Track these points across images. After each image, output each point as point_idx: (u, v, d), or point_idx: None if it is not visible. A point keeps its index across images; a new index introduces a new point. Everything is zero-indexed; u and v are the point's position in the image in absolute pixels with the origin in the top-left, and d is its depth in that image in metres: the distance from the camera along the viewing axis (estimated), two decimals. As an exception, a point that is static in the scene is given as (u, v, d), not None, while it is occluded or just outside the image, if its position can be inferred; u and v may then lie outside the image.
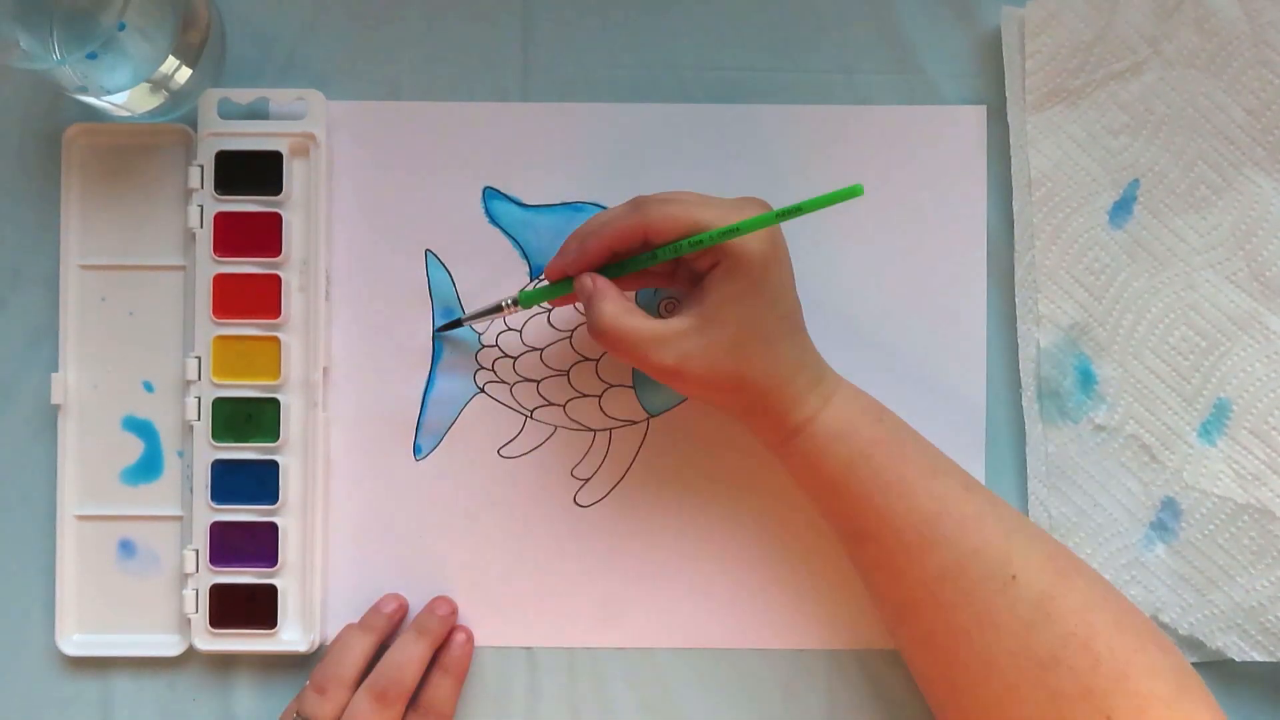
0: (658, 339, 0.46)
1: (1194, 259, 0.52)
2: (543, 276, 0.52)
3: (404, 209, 0.53)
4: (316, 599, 0.52)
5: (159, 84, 0.49)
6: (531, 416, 0.53)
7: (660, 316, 0.53)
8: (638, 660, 0.52)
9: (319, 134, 0.52)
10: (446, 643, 0.51)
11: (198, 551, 0.51)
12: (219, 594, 0.51)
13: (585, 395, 0.53)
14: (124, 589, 0.52)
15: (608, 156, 0.53)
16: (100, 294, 0.53)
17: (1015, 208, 0.53)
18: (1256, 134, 0.52)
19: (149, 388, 0.53)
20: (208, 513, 0.51)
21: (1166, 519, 0.52)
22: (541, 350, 0.53)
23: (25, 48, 0.47)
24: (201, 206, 0.52)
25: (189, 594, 0.51)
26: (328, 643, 0.52)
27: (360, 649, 0.50)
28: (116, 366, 0.52)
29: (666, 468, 0.53)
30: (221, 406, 0.52)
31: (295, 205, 0.52)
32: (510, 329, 0.53)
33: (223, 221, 0.52)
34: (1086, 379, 0.52)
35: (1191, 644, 0.51)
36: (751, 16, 0.53)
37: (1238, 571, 0.51)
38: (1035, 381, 0.52)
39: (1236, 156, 0.52)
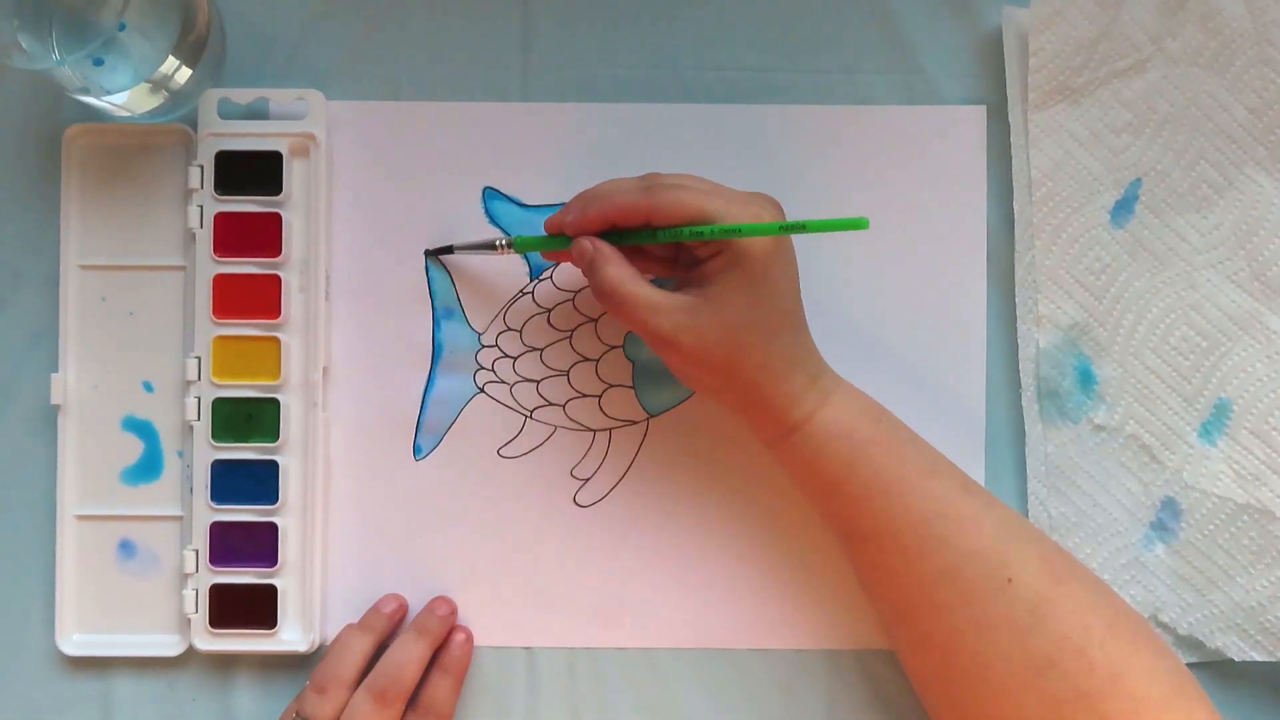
0: (656, 306, 0.46)
1: (1195, 259, 0.52)
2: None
3: (404, 209, 0.53)
4: (316, 599, 0.52)
5: (159, 84, 0.49)
6: (531, 416, 0.53)
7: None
8: (638, 660, 0.52)
9: (319, 134, 0.52)
10: (446, 643, 0.51)
11: (197, 551, 0.51)
12: (219, 594, 0.51)
13: (585, 395, 0.53)
14: (124, 589, 0.52)
15: (608, 156, 0.53)
16: (100, 294, 0.53)
17: (1015, 208, 0.53)
18: (1259, 133, 0.52)
19: (149, 388, 0.53)
20: (207, 513, 0.52)
21: (1166, 519, 0.52)
22: (541, 350, 0.53)
23: (25, 48, 0.47)
24: (201, 206, 0.52)
25: (189, 594, 0.51)
26: (327, 643, 0.52)
27: (360, 649, 0.50)
28: (116, 366, 0.52)
29: (666, 468, 0.53)
30: (221, 406, 0.52)
31: (295, 205, 0.52)
32: (510, 329, 0.53)
33: (223, 221, 0.52)
34: (1086, 379, 0.52)
35: (1191, 644, 0.51)
36: (751, 16, 0.53)
37: (1238, 571, 0.51)
38: (1035, 382, 0.52)
39: (1239, 156, 0.52)
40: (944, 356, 0.53)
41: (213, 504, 0.51)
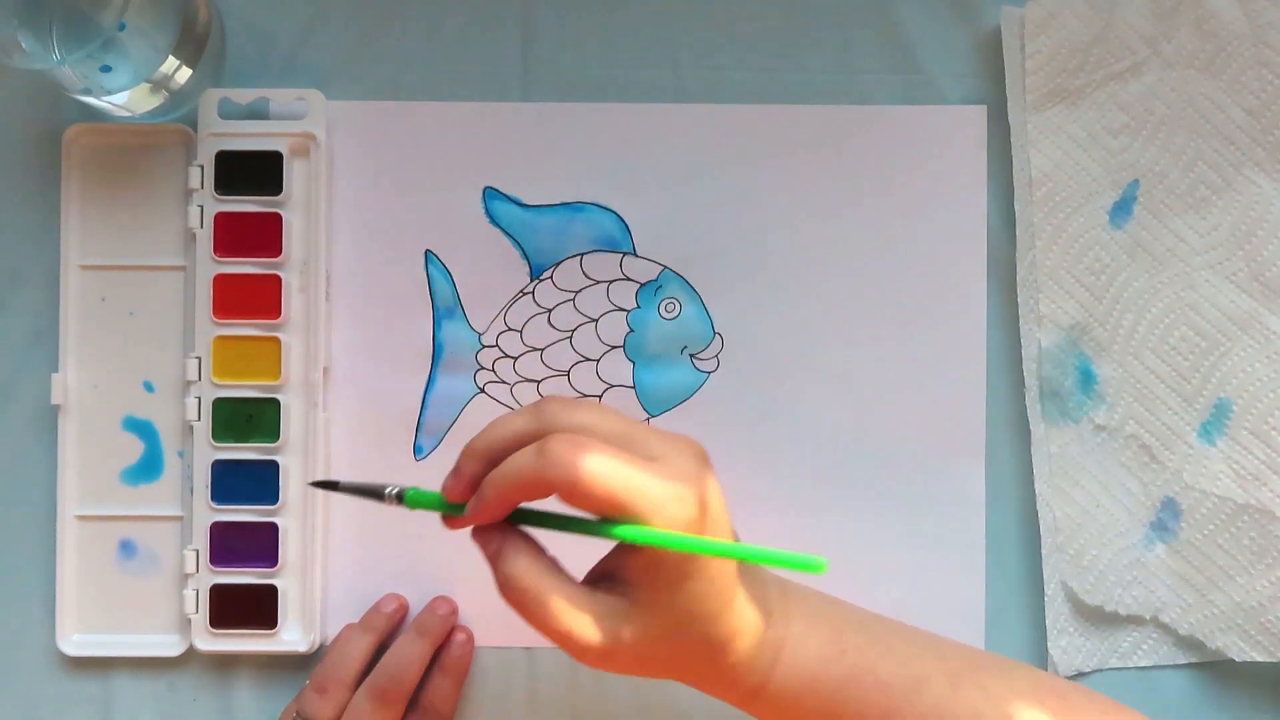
0: (579, 611, 0.38)
1: (1194, 259, 0.52)
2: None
3: (404, 209, 0.53)
4: (316, 599, 0.52)
5: (159, 84, 0.49)
6: (531, 416, 0.53)
7: (661, 317, 0.53)
8: (638, 660, 0.52)
9: (319, 134, 0.52)
10: (446, 643, 0.51)
11: (198, 552, 0.51)
12: (219, 594, 0.51)
13: (585, 395, 0.53)
14: (124, 589, 0.52)
15: (608, 156, 0.53)
16: (100, 294, 0.53)
17: (1016, 208, 0.53)
18: (1256, 134, 0.52)
19: (149, 388, 0.53)
20: (208, 513, 0.51)
21: (1166, 519, 0.52)
22: (541, 350, 0.53)
23: (26, 48, 0.47)
24: (201, 206, 0.52)
25: (189, 594, 0.51)
26: (328, 643, 0.52)
27: (360, 649, 0.50)
28: (116, 366, 0.52)
29: (666, 468, 0.53)
30: (221, 407, 0.52)
31: (295, 205, 0.52)
32: (510, 329, 0.53)
33: (223, 221, 0.52)
34: (1087, 379, 0.52)
35: (1192, 644, 0.51)
36: (751, 16, 0.53)
37: (1238, 572, 0.51)
38: (1038, 382, 0.52)
39: (1236, 157, 0.52)
40: (944, 356, 0.53)
41: (213, 504, 0.51)
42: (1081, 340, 0.52)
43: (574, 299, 0.53)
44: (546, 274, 0.53)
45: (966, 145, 0.53)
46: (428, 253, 0.53)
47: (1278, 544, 0.51)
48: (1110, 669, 0.52)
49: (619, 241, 0.53)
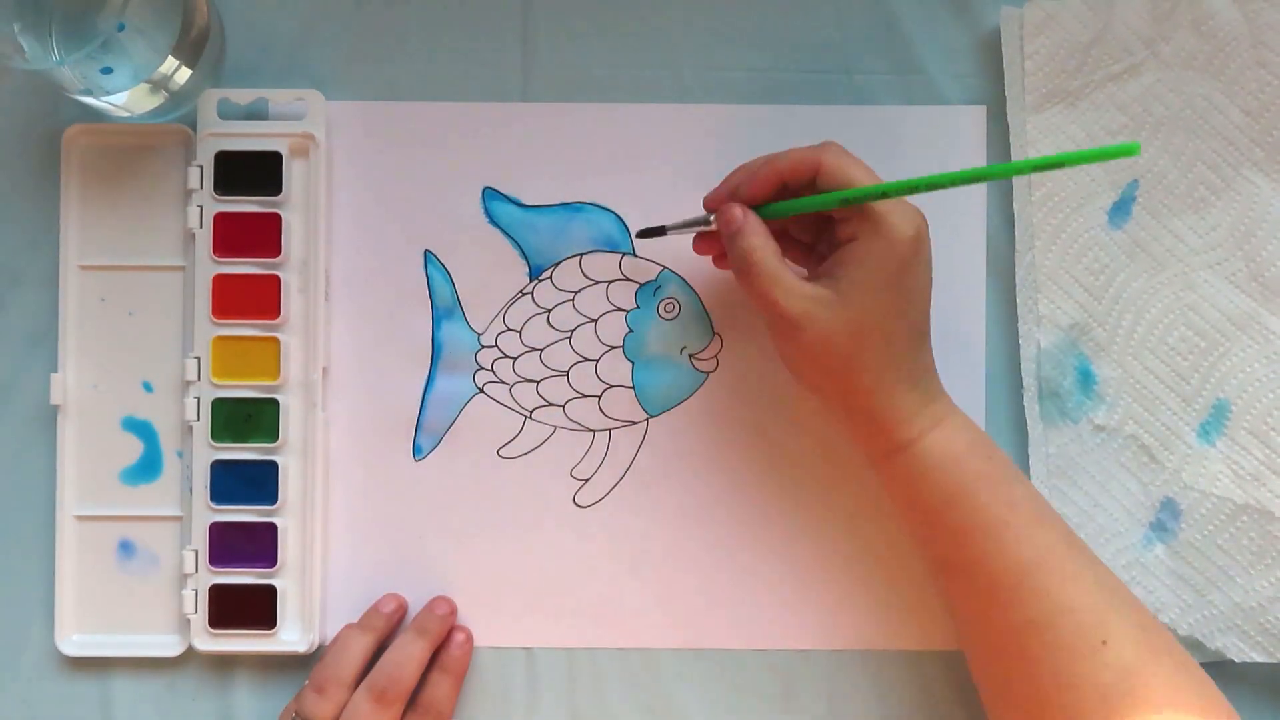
0: (789, 288, 0.45)
1: (1193, 259, 0.52)
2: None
3: (404, 209, 0.53)
4: (316, 599, 0.52)
5: (159, 84, 0.49)
6: (531, 417, 0.53)
7: (660, 318, 0.53)
8: (637, 661, 0.52)
9: (319, 134, 0.52)
10: (446, 643, 0.51)
11: (197, 552, 0.51)
12: (218, 594, 0.51)
13: (585, 395, 0.53)
14: (123, 589, 0.52)
15: (608, 156, 0.53)
16: (100, 294, 0.53)
17: (1015, 208, 0.53)
18: (1255, 135, 0.52)
19: (148, 388, 0.53)
20: (207, 513, 0.51)
21: (1166, 519, 0.52)
22: (541, 350, 0.53)
23: (26, 48, 0.47)
24: (201, 207, 0.52)
25: (188, 594, 0.51)
26: (327, 643, 0.52)
27: (359, 649, 0.50)
28: (116, 366, 0.52)
29: (666, 468, 0.53)
30: (221, 407, 0.52)
31: (295, 205, 0.52)
32: (510, 329, 0.53)
33: (222, 222, 0.52)
34: (1086, 379, 0.52)
35: (1191, 645, 0.51)
36: (751, 16, 0.54)
37: (1237, 572, 0.51)
38: (1036, 382, 0.52)
39: (1235, 157, 0.52)
40: (944, 356, 0.52)
41: (212, 504, 0.51)
42: (1081, 340, 0.52)
43: (573, 299, 0.53)
44: (546, 274, 0.53)
45: (966, 145, 0.53)
46: (427, 253, 0.53)
47: (1277, 544, 0.51)
48: (1110, 669, 0.52)
49: (618, 242, 0.53)
